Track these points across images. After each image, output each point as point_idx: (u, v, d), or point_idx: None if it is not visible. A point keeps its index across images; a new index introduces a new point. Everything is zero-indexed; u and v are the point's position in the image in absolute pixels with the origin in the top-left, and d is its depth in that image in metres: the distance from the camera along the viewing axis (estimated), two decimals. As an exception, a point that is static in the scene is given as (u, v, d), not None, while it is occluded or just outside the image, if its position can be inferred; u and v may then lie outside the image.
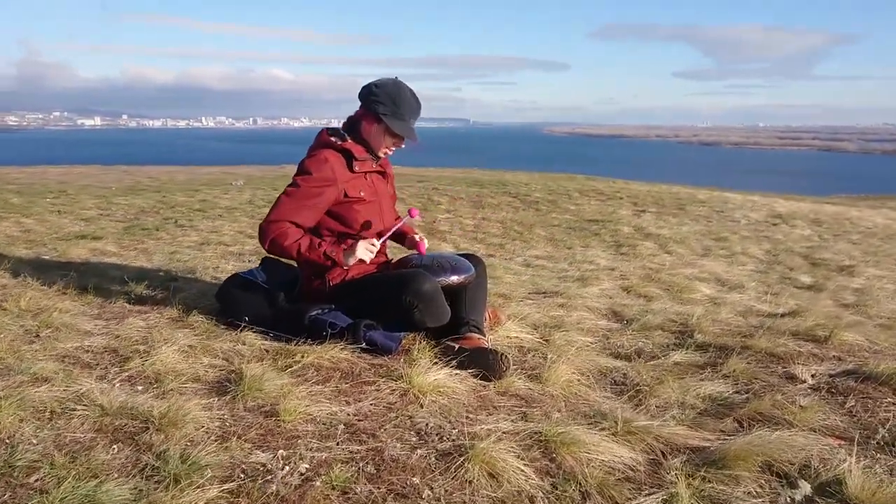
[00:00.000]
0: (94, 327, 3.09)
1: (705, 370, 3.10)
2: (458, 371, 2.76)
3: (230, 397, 2.33)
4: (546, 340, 3.39)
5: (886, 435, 2.49)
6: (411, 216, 3.23)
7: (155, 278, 4.11)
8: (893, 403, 2.74)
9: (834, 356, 3.28)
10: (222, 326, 3.11)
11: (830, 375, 3.03)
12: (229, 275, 4.14)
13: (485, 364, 2.78)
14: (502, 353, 2.79)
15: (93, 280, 3.93)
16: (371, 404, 2.41)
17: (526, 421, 2.48)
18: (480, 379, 2.77)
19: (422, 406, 2.45)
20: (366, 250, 2.97)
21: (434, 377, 2.62)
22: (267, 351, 2.84)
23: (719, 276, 5.84)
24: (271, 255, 3.17)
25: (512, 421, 2.46)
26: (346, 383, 2.55)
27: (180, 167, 20.43)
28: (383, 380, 2.61)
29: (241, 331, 3.00)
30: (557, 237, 7.71)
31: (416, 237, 3.33)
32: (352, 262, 2.97)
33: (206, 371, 2.56)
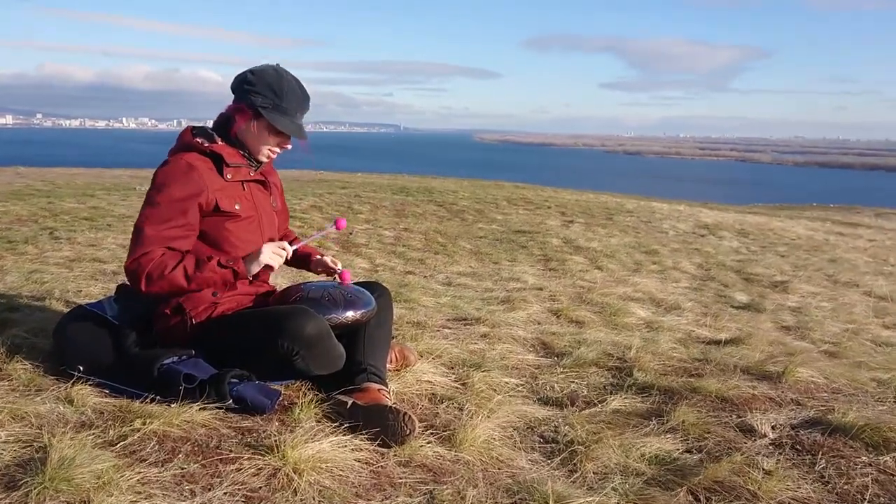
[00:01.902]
0: None
1: (650, 421, 2.62)
2: (349, 436, 2.18)
3: (22, 494, 1.68)
4: (464, 384, 2.85)
5: (870, 511, 2.05)
6: (338, 227, 2.68)
7: (-8, 307, 3.37)
8: (869, 464, 2.32)
9: (792, 399, 2.85)
10: (51, 377, 2.43)
11: (792, 426, 2.59)
12: (80, 304, 3.46)
13: (383, 426, 2.21)
14: (405, 412, 2.22)
15: None
16: (225, 494, 1.80)
17: (432, 505, 1.93)
18: (379, 445, 2.20)
19: (296, 492, 1.86)
20: (273, 254, 2.40)
21: (317, 447, 2.04)
22: (101, 414, 2.19)
23: (654, 295, 5.44)
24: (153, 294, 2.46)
25: (414, 506, 1.90)
26: (196, 462, 1.93)
27: (85, 169, 19.01)
28: (248, 454, 2.00)
29: (72, 384, 2.33)
30: (483, 251, 7.22)
31: (328, 259, 2.74)
32: (255, 269, 2.39)
33: (3, 450, 1.89)
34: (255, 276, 2.56)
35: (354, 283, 2.71)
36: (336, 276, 2.68)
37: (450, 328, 3.72)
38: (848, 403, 2.80)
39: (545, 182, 27.16)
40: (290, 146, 2.56)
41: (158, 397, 2.25)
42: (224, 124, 2.51)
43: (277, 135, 2.48)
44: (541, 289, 5.19)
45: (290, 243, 2.55)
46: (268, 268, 2.43)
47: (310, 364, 2.33)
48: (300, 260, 2.83)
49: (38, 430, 2.02)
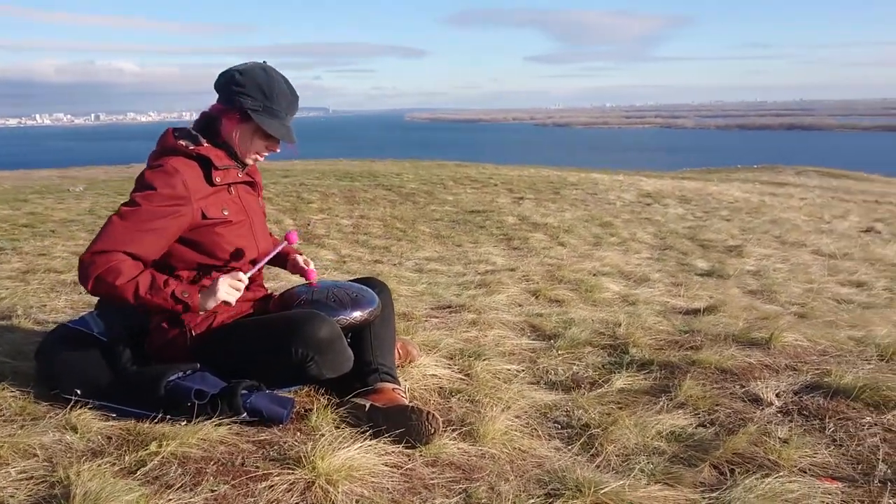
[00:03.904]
0: None
1: (658, 398, 2.65)
2: (373, 440, 2.13)
3: (50, 536, 1.58)
4: (468, 375, 2.83)
5: (888, 471, 2.12)
6: (289, 241, 2.52)
7: (-46, 331, 3.16)
8: (875, 424, 2.40)
9: (787, 365, 2.93)
10: (44, 403, 2.29)
11: (795, 392, 2.66)
12: (56, 321, 3.28)
13: (407, 427, 2.17)
14: (428, 411, 2.18)
15: None
16: (264, 514, 1.73)
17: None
18: (403, 445, 2.16)
19: (334, 504, 1.81)
20: (230, 288, 2.23)
21: (345, 455, 1.98)
22: (109, 439, 2.07)
23: (621, 268, 5.52)
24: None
25: (452, 507, 1.87)
26: (226, 483, 1.85)
27: (9, 172, 18.09)
28: (276, 469, 1.93)
29: (71, 408, 2.20)
30: (443, 233, 7.18)
31: (300, 259, 2.65)
32: (212, 305, 2.23)
33: (16, 488, 1.77)
34: (251, 282, 2.46)
35: (352, 280, 2.65)
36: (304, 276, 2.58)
37: (437, 317, 3.68)
38: (839, 365, 2.90)
39: (482, 159, 27.23)
40: (278, 149, 2.45)
41: (168, 416, 2.15)
42: (208, 125, 2.39)
43: (267, 138, 2.37)
44: (512, 270, 5.20)
45: (254, 261, 2.44)
46: (225, 303, 2.27)
47: (322, 369, 2.26)
48: (279, 260, 2.73)
49: (47, 463, 1.90)
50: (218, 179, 2.33)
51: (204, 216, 2.29)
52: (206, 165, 2.32)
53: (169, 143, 2.34)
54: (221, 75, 2.35)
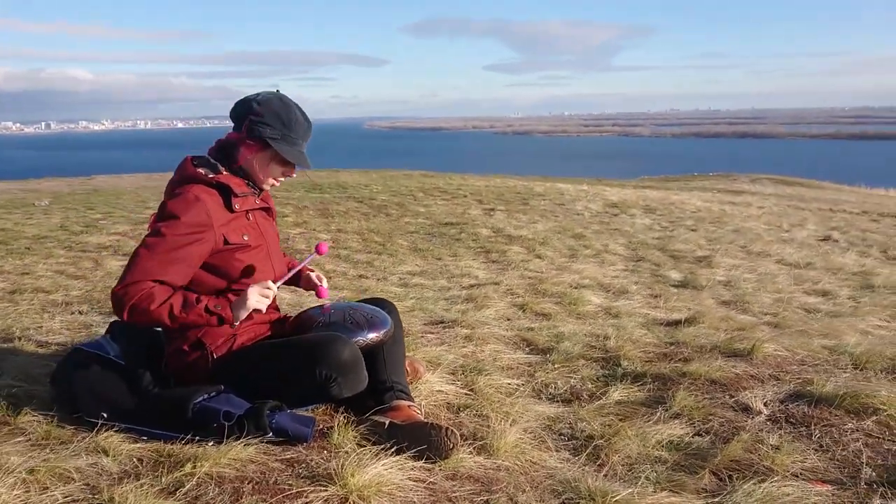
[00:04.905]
0: None
1: (654, 410, 2.80)
2: (396, 456, 2.23)
3: (109, 557, 1.65)
4: (472, 390, 2.94)
5: (873, 473, 2.30)
6: (319, 252, 2.63)
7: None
8: (857, 430, 2.59)
9: (770, 375, 3.12)
10: (68, 427, 2.33)
11: (781, 401, 2.84)
12: (57, 343, 3.31)
13: (427, 443, 2.27)
14: (447, 427, 2.29)
15: None
16: (305, 530, 1.82)
17: (493, 515, 2.02)
18: (424, 460, 2.26)
19: (368, 519, 1.90)
20: (259, 297, 2.34)
21: (373, 471, 2.07)
22: (140, 461, 2.13)
23: (599, 280, 5.70)
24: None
25: (478, 518, 1.98)
26: (264, 501, 1.93)
27: (-37, 184, 17.65)
28: (309, 486, 2.02)
29: (97, 432, 2.25)
30: (421, 247, 7.29)
31: (313, 276, 2.75)
32: (243, 314, 2.33)
33: (63, 512, 1.83)
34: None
35: (361, 301, 2.75)
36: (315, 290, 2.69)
37: (432, 333, 3.79)
38: (817, 374, 3.09)
39: (446, 167, 27.39)
40: (294, 174, 2.57)
41: (197, 438, 2.22)
42: (226, 153, 2.48)
43: (284, 164, 2.48)
44: (496, 283, 5.33)
45: (274, 281, 2.53)
46: (255, 311, 2.38)
47: (343, 389, 2.35)
48: (293, 277, 2.83)
49: (86, 487, 1.96)
50: (237, 206, 2.42)
51: (226, 242, 2.38)
52: (226, 193, 2.41)
53: (189, 171, 2.42)
54: (238, 104, 2.45)
